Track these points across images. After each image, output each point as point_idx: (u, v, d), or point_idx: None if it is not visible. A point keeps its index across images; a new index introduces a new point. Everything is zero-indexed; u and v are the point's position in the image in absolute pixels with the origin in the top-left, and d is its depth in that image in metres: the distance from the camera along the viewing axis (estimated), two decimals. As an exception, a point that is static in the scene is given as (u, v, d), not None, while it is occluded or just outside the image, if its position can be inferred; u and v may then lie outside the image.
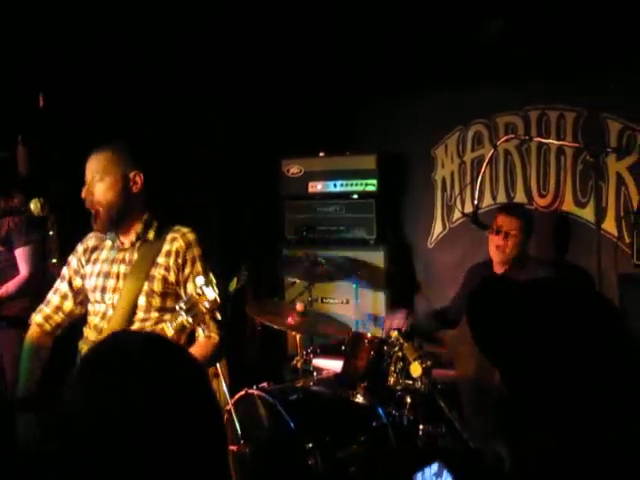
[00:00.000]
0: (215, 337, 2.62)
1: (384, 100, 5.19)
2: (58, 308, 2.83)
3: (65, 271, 2.86)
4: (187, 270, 2.65)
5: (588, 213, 4.34)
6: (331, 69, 4.94)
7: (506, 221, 4.00)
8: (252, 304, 4.33)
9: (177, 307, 2.38)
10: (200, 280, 2.37)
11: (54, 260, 4.12)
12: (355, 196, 5.06)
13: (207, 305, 2.34)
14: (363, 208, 5.04)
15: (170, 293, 2.65)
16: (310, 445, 3.20)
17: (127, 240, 2.72)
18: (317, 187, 5.19)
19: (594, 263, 3.48)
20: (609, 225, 4.28)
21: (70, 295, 2.83)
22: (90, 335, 2.73)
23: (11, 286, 4.11)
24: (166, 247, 2.66)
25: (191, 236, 2.69)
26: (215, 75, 4.85)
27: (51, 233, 3.98)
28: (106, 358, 1.20)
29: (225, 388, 3.73)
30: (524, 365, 1.25)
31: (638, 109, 4.14)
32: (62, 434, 1.15)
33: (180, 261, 2.64)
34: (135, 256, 2.68)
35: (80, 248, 2.84)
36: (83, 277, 2.79)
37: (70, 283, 2.83)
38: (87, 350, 1.29)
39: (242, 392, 3.58)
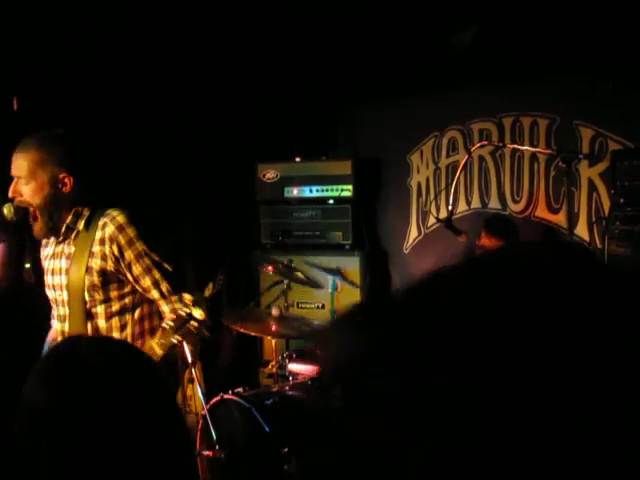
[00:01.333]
0: (180, 307, 2.59)
1: (360, 106, 5.23)
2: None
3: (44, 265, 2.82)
4: (127, 254, 2.52)
5: (561, 219, 4.39)
6: (308, 75, 4.96)
7: (488, 240, 4.03)
8: (228, 311, 4.33)
9: (165, 326, 2.35)
10: (188, 297, 2.35)
11: (27, 265, 4.10)
12: (331, 201, 5.08)
13: (196, 324, 2.33)
14: (339, 213, 5.06)
15: (112, 281, 2.55)
16: (286, 450, 3.20)
17: (60, 232, 2.60)
18: (293, 192, 5.20)
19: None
20: (581, 230, 4.33)
21: None
22: (59, 338, 2.69)
23: None
24: (98, 234, 2.53)
25: (121, 218, 2.53)
26: (191, 79, 4.84)
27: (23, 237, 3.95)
28: (66, 359, 1.22)
29: (200, 393, 3.72)
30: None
31: (610, 116, 4.20)
32: (24, 428, 1.17)
33: (115, 247, 2.51)
34: (72, 249, 2.58)
35: (42, 245, 2.79)
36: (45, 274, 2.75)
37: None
38: (47, 351, 1.30)
39: (217, 397, 3.57)
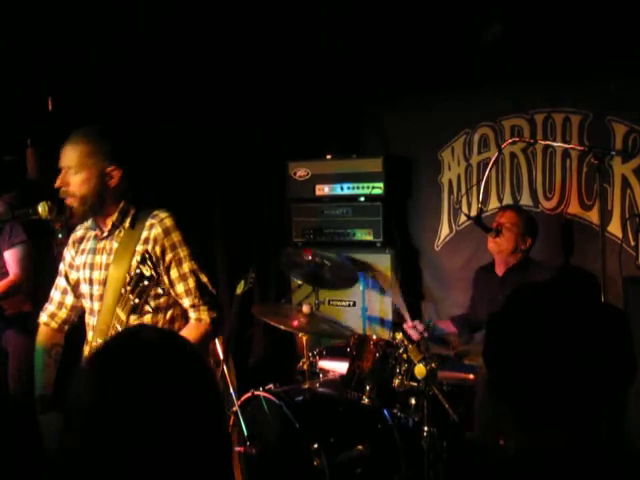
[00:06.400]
0: (206, 319, 2.61)
1: (391, 103, 5.22)
2: (61, 304, 2.84)
3: (61, 266, 2.86)
4: (167, 257, 2.58)
5: (593, 216, 4.34)
6: (338, 72, 4.96)
7: (501, 215, 4.03)
8: (259, 306, 4.35)
9: (122, 290, 2.37)
10: (135, 259, 2.36)
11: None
12: (362, 199, 5.08)
13: (147, 282, 2.31)
14: (370, 211, 5.06)
15: (158, 291, 2.59)
16: (316, 446, 3.22)
17: (105, 229, 2.66)
18: (324, 190, 5.21)
19: (599, 266, 3.49)
20: (614, 228, 4.28)
21: (69, 289, 2.83)
22: (89, 336, 2.73)
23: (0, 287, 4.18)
24: (144, 234, 2.58)
25: (169, 221, 2.60)
26: (224, 79, 4.88)
27: (60, 236, 4.01)
28: (118, 352, 1.22)
29: (232, 389, 3.76)
30: (540, 380, 1.29)
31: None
32: (73, 426, 1.18)
33: (158, 248, 2.56)
34: (115, 245, 2.63)
35: (70, 240, 2.83)
36: (77, 269, 2.78)
37: (67, 277, 2.83)
38: (100, 344, 1.31)
39: (249, 394, 3.61)
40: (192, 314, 2.63)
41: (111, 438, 1.12)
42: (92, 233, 2.74)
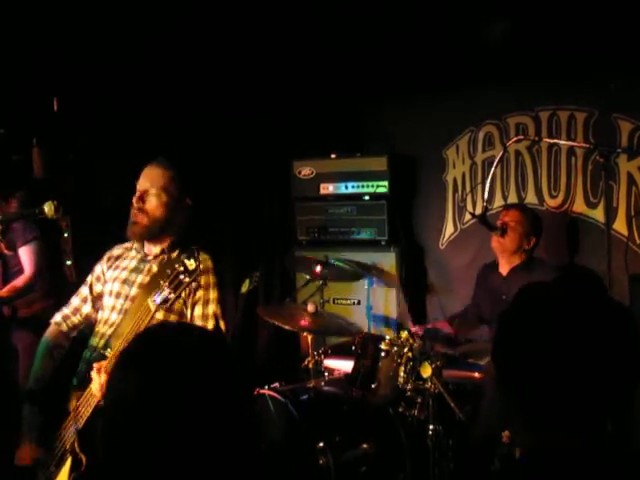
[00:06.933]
0: None
1: (395, 102, 5.21)
2: (77, 310, 2.93)
3: (89, 277, 2.96)
4: (198, 294, 2.69)
5: (599, 213, 4.33)
6: (342, 71, 4.96)
7: (506, 213, 4.03)
8: (264, 305, 4.35)
9: (161, 282, 2.40)
10: (183, 255, 2.40)
11: (69, 262, 4.18)
12: (366, 197, 5.08)
13: (187, 279, 2.34)
14: (374, 209, 5.06)
15: (176, 311, 2.68)
16: (321, 445, 3.22)
17: (152, 253, 2.79)
18: (329, 189, 5.22)
19: (605, 264, 3.49)
20: (620, 225, 4.27)
21: (89, 299, 2.92)
22: (93, 342, 2.79)
23: (16, 283, 4.19)
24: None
25: (210, 263, 2.74)
26: (227, 77, 4.88)
27: (66, 235, 4.03)
28: (154, 346, 1.24)
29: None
30: (548, 379, 1.29)
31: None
32: (113, 417, 1.19)
33: (194, 284, 2.62)
34: (154, 269, 2.74)
35: (105, 256, 2.94)
36: (104, 283, 2.88)
37: (91, 288, 2.93)
38: (137, 335, 1.33)
39: (254, 392, 3.61)
40: None
41: (155, 429, 1.14)
42: (132, 254, 2.86)
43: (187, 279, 2.36)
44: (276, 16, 4.34)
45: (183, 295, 2.61)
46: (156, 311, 2.46)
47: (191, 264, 2.35)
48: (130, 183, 2.80)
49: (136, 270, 2.79)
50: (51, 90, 4.35)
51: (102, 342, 2.72)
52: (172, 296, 2.38)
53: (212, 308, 2.71)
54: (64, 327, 2.91)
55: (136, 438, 1.14)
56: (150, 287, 2.63)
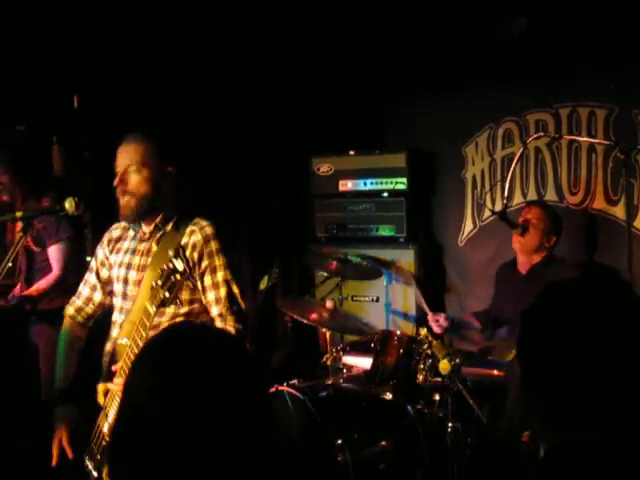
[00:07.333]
0: (231, 330, 2.61)
1: (414, 98, 5.20)
2: (89, 299, 2.89)
3: (92, 263, 2.90)
4: (204, 264, 2.62)
5: (619, 211, 4.30)
6: (361, 67, 4.95)
7: (528, 210, 4.01)
8: (283, 299, 4.35)
9: (153, 284, 2.35)
10: (170, 252, 2.32)
11: (89, 258, 4.20)
12: (385, 194, 5.07)
13: (179, 277, 2.31)
14: (393, 206, 5.05)
15: (187, 286, 2.61)
16: (339, 442, 3.22)
17: (147, 230, 2.71)
18: (347, 185, 5.22)
19: (625, 261, 3.46)
20: (640, 223, 4.25)
21: (99, 286, 2.87)
22: (113, 332, 2.76)
23: (43, 283, 4.18)
24: (184, 240, 2.63)
25: (209, 229, 2.66)
26: (247, 74, 4.89)
27: (86, 232, 4.04)
28: (172, 345, 1.24)
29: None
30: (573, 377, 1.29)
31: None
32: (129, 418, 1.19)
33: (196, 255, 2.61)
34: (154, 247, 2.67)
35: (105, 239, 2.87)
36: (109, 268, 2.83)
37: (97, 274, 2.87)
38: (153, 336, 1.32)
39: (272, 389, 3.62)
40: (218, 323, 2.64)
41: (176, 422, 1.13)
42: (130, 234, 2.79)
43: (179, 278, 2.30)
44: (299, 15, 4.34)
45: (181, 264, 2.41)
46: (157, 309, 2.39)
47: (180, 264, 2.28)
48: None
49: (138, 252, 2.72)
50: (72, 88, 4.38)
51: (117, 331, 2.71)
52: (168, 296, 2.32)
53: (221, 275, 2.64)
54: (79, 319, 2.88)
55: (150, 441, 1.15)
56: (152, 269, 2.58)
